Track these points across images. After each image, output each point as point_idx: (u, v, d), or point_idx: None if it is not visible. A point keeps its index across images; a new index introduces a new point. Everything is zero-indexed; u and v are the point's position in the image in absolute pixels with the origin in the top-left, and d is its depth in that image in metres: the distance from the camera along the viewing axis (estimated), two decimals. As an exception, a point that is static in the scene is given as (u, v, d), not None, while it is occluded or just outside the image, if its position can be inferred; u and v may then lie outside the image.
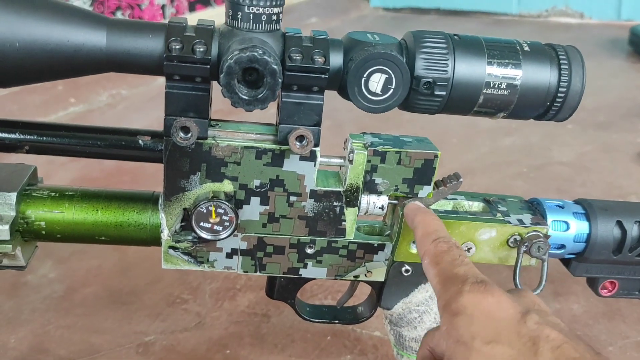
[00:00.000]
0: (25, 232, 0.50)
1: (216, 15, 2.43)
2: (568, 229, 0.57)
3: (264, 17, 0.45)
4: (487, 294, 0.39)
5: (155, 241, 0.52)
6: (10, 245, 0.48)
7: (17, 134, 0.48)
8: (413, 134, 0.55)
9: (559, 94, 0.49)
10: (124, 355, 0.83)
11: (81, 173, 1.25)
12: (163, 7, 2.25)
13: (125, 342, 0.85)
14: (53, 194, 0.51)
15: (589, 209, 0.57)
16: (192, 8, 2.37)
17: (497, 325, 0.37)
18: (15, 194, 0.49)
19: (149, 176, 1.24)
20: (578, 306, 0.92)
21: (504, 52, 0.49)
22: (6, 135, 0.48)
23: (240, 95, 0.43)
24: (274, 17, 0.45)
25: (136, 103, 1.68)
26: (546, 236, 0.55)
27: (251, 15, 0.45)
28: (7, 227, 0.47)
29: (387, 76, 0.46)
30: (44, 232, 0.51)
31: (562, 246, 0.57)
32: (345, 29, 2.06)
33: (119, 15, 2.08)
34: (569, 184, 1.27)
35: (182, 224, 0.51)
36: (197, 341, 0.85)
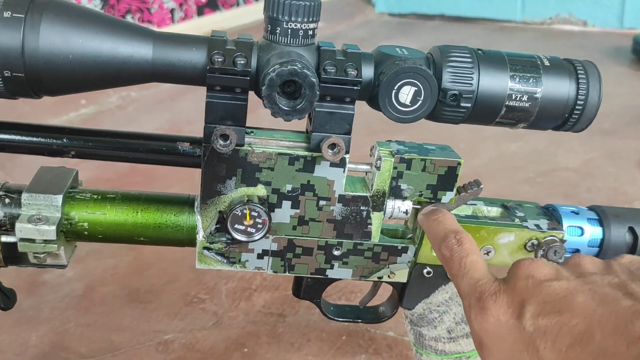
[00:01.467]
0: (69, 233, 0.53)
1: (224, 19, 2.47)
2: (583, 234, 0.59)
3: (301, 32, 0.48)
4: (486, 314, 0.39)
5: (191, 242, 0.55)
6: (56, 245, 0.51)
7: (64, 140, 0.51)
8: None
9: (577, 107, 0.52)
10: (144, 352, 0.85)
11: (95, 174, 1.28)
12: (172, 10, 2.27)
13: (145, 340, 0.87)
14: (95, 196, 0.53)
15: (602, 215, 0.60)
16: (200, 12, 2.39)
17: (508, 346, 0.38)
18: (61, 196, 0.51)
19: (160, 178, 1.27)
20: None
21: (525, 66, 0.51)
22: (54, 140, 0.51)
23: (280, 106, 0.45)
24: (310, 32, 0.48)
25: (146, 105, 1.71)
26: (562, 241, 0.57)
27: (289, 30, 0.47)
28: (53, 227, 0.50)
29: (417, 89, 0.49)
30: (86, 233, 0.53)
31: (577, 250, 0.60)
32: (351, 34, 2.08)
33: (128, 18, 2.10)
34: (575, 189, 1.29)
35: (217, 225, 0.54)
36: (215, 340, 0.88)
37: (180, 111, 1.66)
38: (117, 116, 1.64)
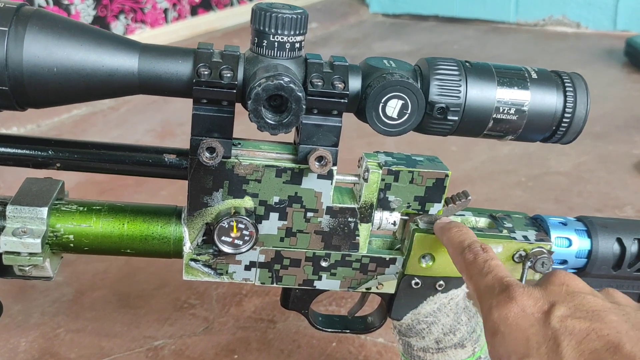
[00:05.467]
0: (54, 245, 0.53)
1: (217, 19, 2.46)
2: (570, 245, 0.59)
3: (287, 45, 0.47)
4: (511, 303, 0.40)
5: (178, 254, 0.55)
6: (41, 258, 0.50)
7: (50, 152, 0.51)
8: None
9: (564, 119, 0.52)
10: (134, 359, 0.85)
11: (86, 176, 1.27)
12: (165, 10, 2.27)
13: (135, 346, 0.87)
14: (81, 208, 0.53)
15: (590, 226, 0.60)
16: (194, 12, 2.38)
17: (526, 336, 0.38)
18: (47, 208, 0.51)
19: (150, 180, 1.26)
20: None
21: (512, 79, 0.51)
22: (39, 152, 0.51)
23: (266, 120, 0.45)
24: (297, 45, 0.48)
25: (138, 106, 1.70)
26: (550, 252, 0.57)
27: (276, 43, 0.47)
28: (38, 240, 0.50)
29: (404, 102, 0.48)
30: (72, 245, 0.53)
31: (565, 261, 0.60)
32: (344, 34, 2.07)
33: (122, 18, 2.09)
34: (566, 194, 1.29)
35: (204, 237, 0.54)
36: (205, 346, 0.88)
37: (172, 112, 1.66)
38: (109, 117, 1.63)
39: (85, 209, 0.53)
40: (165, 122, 1.58)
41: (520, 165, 1.39)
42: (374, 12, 2.87)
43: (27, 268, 0.51)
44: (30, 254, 0.50)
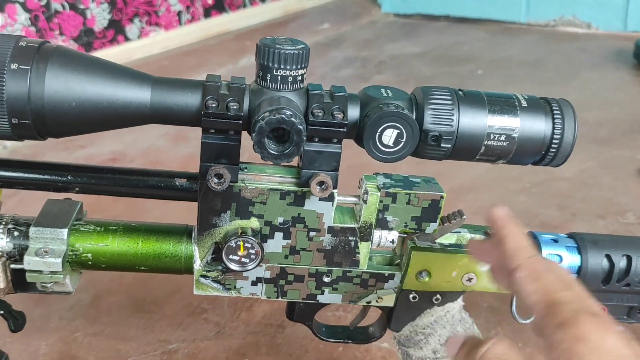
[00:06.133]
0: (74, 263, 0.56)
1: (230, 20, 2.50)
2: (561, 261, 0.62)
3: (290, 79, 0.51)
4: (610, 331, 0.40)
5: (188, 270, 0.58)
6: (62, 275, 0.54)
7: (69, 177, 0.55)
8: None
9: (552, 144, 0.55)
10: (149, 361, 0.89)
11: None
12: (179, 13, 2.31)
13: (150, 350, 0.91)
14: (99, 228, 0.57)
15: (580, 243, 0.63)
16: (207, 14, 2.42)
17: None
18: (67, 230, 0.55)
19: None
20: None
21: (503, 107, 0.54)
22: (59, 178, 0.55)
23: (270, 150, 0.49)
24: (299, 78, 0.51)
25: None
26: (541, 269, 0.60)
27: (279, 77, 0.50)
28: (59, 260, 0.54)
29: (399, 131, 0.52)
30: (90, 263, 0.57)
31: (556, 277, 0.63)
32: (356, 35, 2.09)
33: (136, 21, 2.14)
34: (569, 200, 1.31)
35: (213, 255, 0.57)
36: (217, 349, 0.92)
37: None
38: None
39: (102, 229, 0.57)
40: (179, 127, 1.62)
41: (524, 171, 1.41)
42: (386, 12, 2.89)
43: (48, 285, 0.55)
44: (52, 272, 0.54)
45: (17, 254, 0.55)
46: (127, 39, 2.13)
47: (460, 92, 0.55)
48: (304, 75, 0.52)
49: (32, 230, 0.54)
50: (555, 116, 0.55)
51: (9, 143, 1.52)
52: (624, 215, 1.24)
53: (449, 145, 0.53)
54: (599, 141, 1.56)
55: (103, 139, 1.55)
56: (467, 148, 0.54)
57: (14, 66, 0.47)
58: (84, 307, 0.99)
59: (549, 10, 2.61)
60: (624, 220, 1.22)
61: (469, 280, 0.61)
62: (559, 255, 0.62)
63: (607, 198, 1.32)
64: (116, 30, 2.09)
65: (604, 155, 1.50)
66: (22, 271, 0.55)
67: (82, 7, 1.96)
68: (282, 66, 0.50)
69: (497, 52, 2.34)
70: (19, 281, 0.55)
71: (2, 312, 0.60)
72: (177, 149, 1.52)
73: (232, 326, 0.96)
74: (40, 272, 0.54)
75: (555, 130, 0.54)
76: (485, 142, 0.54)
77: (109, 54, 2.03)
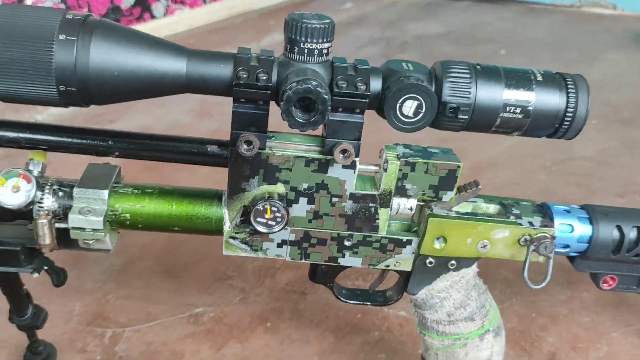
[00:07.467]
0: (113, 223, 0.61)
1: (231, 5, 2.48)
2: (573, 231, 0.65)
3: (316, 52, 0.54)
4: None
5: (219, 232, 0.62)
6: (103, 233, 0.58)
7: (110, 142, 0.59)
8: None
9: (566, 118, 0.57)
10: (177, 324, 0.94)
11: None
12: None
13: (178, 312, 0.96)
14: (136, 190, 0.61)
15: (592, 214, 0.66)
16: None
17: None
18: (107, 191, 0.59)
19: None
20: (588, 294, 1.00)
21: (519, 80, 0.57)
22: (101, 142, 0.59)
23: (296, 118, 0.52)
24: (325, 51, 0.54)
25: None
26: (553, 237, 0.63)
27: (305, 50, 0.54)
28: (100, 218, 0.58)
29: (418, 102, 0.55)
30: (128, 223, 0.61)
31: (567, 246, 0.66)
32: (379, 15, 2.09)
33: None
34: (588, 178, 1.33)
35: (242, 218, 0.61)
36: (241, 314, 0.96)
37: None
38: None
39: (139, 192, 0.61)
40: (204, 102, 1.65)
41: (546, 150, 1.42)
42: (410, -9, 2.88)
43: (90, 242, 0.59)
44: (94, 230, 0.58)
45: (62, 213, 0.59)
46: (153, 16, 2.17)
47: (478, 67, 0.57)
48: (330, 49, 0.55)
49: (75, 190, 0.58)
50: (569, 91, 0.57)
51: (47, 113, 1.57)
52: (640, 193, 1.26)
53: (466, 117, 0.56)
54: (621, 121, 1.57)
55: (131, 113, 1.59)
56: (483, 120, 0.57)
57: (62, 37, 0.51)
58: (116, 271, 1.04)
59: (575, -10, 2.59)
60: (641, 199, 1.24)
61: (484, 247, 0.64)
62: (570, 225, 0.65)
63: (626, 177, 1.33)
64: (143, 8, 2.13)
65: (627, 135, 1.51)
66: (66, 230, 0.59)
67: (110, -15, 2.00)
68: (309, 39, 0.53)
69: (521, 32, 2.34)
70: (63, 238, 0.60)
71: (46, 267, 0.64)
72: (201, 124, 1.56)
73: (256, 292, 1.00)
74: (83, 229, 0.58)
75: (569, 105, 0.57)
76: (501, 115, 0.57)
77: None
